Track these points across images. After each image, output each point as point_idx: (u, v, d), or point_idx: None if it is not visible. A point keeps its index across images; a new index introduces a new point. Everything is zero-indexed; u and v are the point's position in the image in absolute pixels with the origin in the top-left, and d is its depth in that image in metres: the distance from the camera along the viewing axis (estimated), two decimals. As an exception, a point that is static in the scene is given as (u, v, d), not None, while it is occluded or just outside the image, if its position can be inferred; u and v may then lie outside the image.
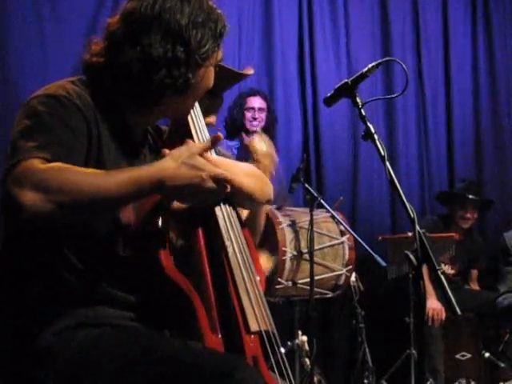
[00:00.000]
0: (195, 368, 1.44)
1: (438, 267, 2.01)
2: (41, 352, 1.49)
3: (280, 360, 1.67)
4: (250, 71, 2.42)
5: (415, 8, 5.80)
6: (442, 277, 1.98)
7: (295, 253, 4.07)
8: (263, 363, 1.71)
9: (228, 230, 1.72)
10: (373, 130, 2.16)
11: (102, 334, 1.52)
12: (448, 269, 4.99)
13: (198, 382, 1.42)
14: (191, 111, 1.82)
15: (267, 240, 4.10)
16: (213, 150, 1.82)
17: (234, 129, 4.67)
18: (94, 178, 1.44)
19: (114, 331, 1.54)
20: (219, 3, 5.78)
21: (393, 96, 2.22)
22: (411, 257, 2.09)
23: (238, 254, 1.72)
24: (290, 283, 4.09)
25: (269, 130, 4.70)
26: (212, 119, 2.41)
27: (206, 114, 2.37)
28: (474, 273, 5.21)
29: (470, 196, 4.93)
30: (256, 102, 4.65)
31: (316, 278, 4.03)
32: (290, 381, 1.66)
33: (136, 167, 1.55)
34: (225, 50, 5.51)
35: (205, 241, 1.72)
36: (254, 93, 4.68)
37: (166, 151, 1.64)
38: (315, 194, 4.05)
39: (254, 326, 1.66)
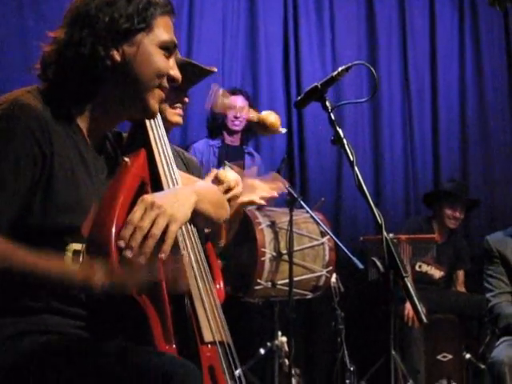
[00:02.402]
0: (137, 371, 1.42)
1: (404, 274, 2.00)
2: None
3: (234, 371, 1.66)
4: (214, 69, 2.41)
5: (401, 4, 5.77)
6: (409, 284, 1.97)
7: (274, 253, 4.06)
8: (220, 373, 1.69)
9: (184, 238, 1.70)
10: (342, 135, 2.15)
11: (49, 341, 1.49)
12: (431, 269, 4.97)
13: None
14: (150, 118, 1.79)
15: (247, 240, 4.08)
16: (174, 161, 1.81)
17: (216, 128, 4.66)
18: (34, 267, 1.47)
19: (61, 339, 1.52)
20: (203, 0, 5.64)
21: (361, 101, 2.21)
22: (378, 263, 2.08)
23: (194, 263, 1.69)
24: (269, 284, 4.08)
25: (250, 129, 4.68)
26: (178, 119, 2.39)
27: (172, 112, 2.36)
28: (461, 274, 5.19)
29: (464, 197, 4.93)
30: (238, 100, 4.62)
31: (296, 278, 4.02)
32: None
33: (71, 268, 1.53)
34: (209, 49, 5.45)
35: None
36: (235, 92, 4.66)
37: (126, 159, 1.65)
38: (295, 195, 4.03)
39: (208, 336, 1.65)
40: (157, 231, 1.56)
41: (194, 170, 2.54)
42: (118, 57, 1.61)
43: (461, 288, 5.17)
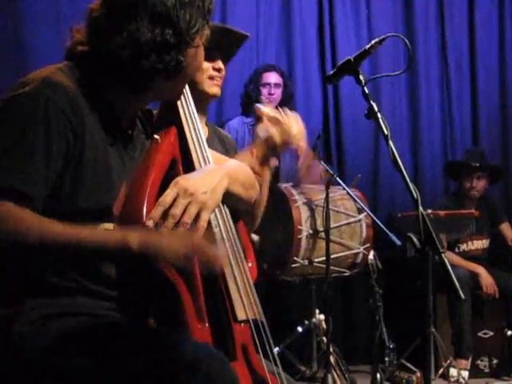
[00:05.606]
0: (163, 361, 1.41)
1: (441, 250, 1.96)
2: (16, 341, 1.46)
3: (268, 348, 1.64)
4: (247, 34, 2.36)
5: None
6: (446, 260, 1.93)
7: (311, 231, 4.03)
8: (253, 351, 1.68)
9: (216, 216, 1.68)
10: (376, 109, 2.09)
11: (80, 323, 1.49)
12: (471, 244, 4.89)
13: (164, 374, 1.40)
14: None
15: (281, 218, 4.06)
16: (205, 139, 1.79)
17: (250, 105, 4.61)
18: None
19: (93, 321, 1.51)
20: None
21: (394, 74, 2.12)
22: (414, 239, 2.04)
23: (227, 241, 1.68)
24: (306, 262, 4.06)
25: (285, 105, 4.63)
26: (216, 90, 2.36)
27: (210, 83, 2.33)
28: (504, 227, 5.06)
29: (473, 164, 4.82)
30: (272, 77, 4.58)
31: (333, 256, 3.99)
32: (278, 372, 1.64)
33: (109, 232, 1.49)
34: (243, 24, 5.40)
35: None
36: (269, 68, 4.62)
37: (156, 137, 1.66)
38: (331, 171, 3.99)
39: (241, 315, 1.63)
40: (188, 219, 1.56)
41: (230, 148, 2.52)
42: (184, 62, 1.58)
43: None
